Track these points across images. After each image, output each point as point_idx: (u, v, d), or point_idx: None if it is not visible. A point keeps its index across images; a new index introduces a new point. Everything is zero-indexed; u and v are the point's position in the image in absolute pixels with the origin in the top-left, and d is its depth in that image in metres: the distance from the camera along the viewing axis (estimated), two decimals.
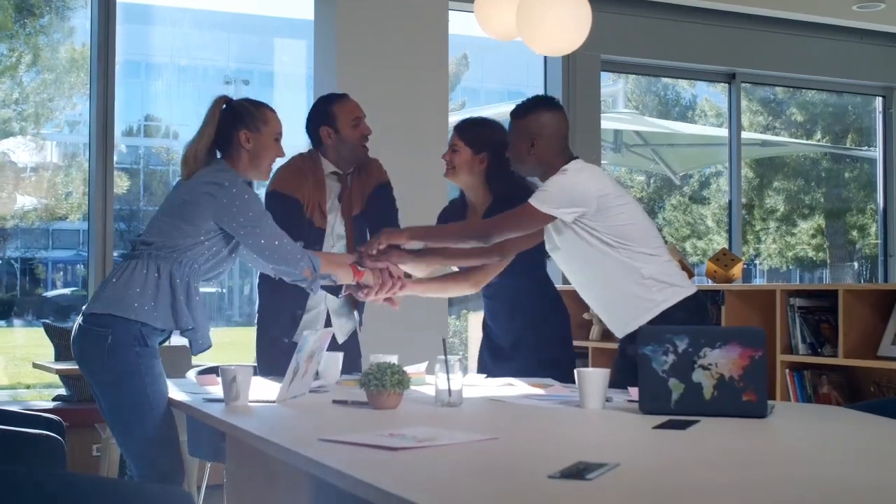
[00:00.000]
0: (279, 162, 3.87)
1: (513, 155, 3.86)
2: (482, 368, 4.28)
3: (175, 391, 3.54)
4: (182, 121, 11.19)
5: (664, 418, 2.87)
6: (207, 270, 3.60)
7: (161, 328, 3.46)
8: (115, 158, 11.57)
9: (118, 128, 10.90)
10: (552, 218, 3.67)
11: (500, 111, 9.55)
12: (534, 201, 3.65)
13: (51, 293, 11.41)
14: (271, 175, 4.25)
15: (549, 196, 3.65)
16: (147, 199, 11.11)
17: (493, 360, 4.27)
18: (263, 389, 3.51)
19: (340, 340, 4.30)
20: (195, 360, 5.81)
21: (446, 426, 2.77)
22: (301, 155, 4.34)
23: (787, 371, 5.45)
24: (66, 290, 11.33)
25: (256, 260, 3.73)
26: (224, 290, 11.65)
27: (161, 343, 3.54)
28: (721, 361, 2.92)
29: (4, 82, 9.36)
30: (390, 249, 4.00)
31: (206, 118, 3.66)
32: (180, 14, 10.39)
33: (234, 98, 3.74)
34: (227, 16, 10.48)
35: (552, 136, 3.78)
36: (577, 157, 3.79)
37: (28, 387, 10.11)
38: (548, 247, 3.88)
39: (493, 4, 4.28)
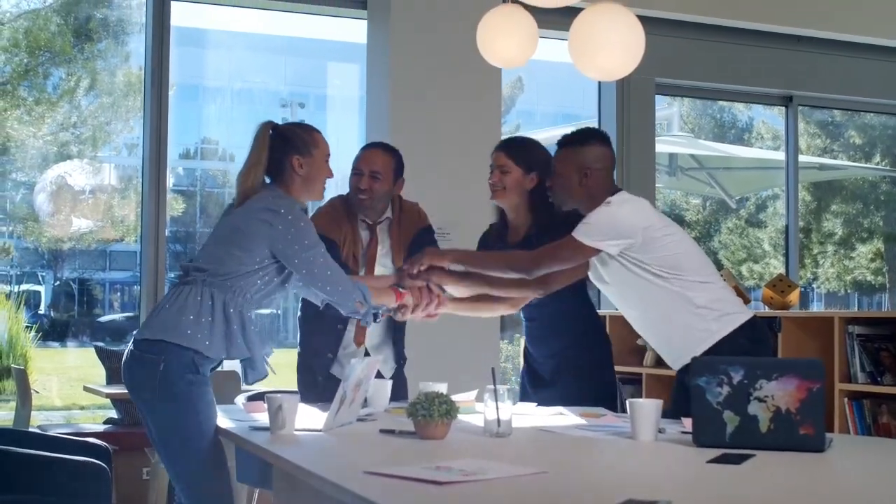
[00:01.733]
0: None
1: (560, 185, 3.80)
2: (524, 396, 4.22)
3: (222, 418, 3.51)
4: (239, 143, 11.28)
5: (718, 452, 2.79)
6: (259, 300, 3.55)
7: (214, 357, 3.43)
8: (172, 181, 11.69)
9: (176, 151, 11.01)
10: (596, 251, 3.61)
11: (554, 134, 9.50)
12: (577, 234, 3.60)
13: (106, 317, 11.49)
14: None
15: (593, 228, 3.59)
16: (204, 222, 11.18)
17: (534, 388, 4.22)
18: (310, 417, 3.47)
19: (387, 376, 4.26)
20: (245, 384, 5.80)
21: (494, 458, 2.72)
22: (340, 196, 4.32)
23: (845, 400, 5.32)
24: (122, 314, 11.40)
25: (307, 290, 3.68)
26: (279, 312, 11.68)
27: (213, 370, 3.51)
28: (778, 394, 2.84)
29: (63, 106, 9.46)
30: (432, 270, 3.96)
31: (256, 144, 3.60)
32: (235, 38, 10.46)
33: (280, 123, 3.70)
34: (281, 39, 10.53)
35: (604, 170, 3.74)
36: (621, 190, 3.73)
37: (83, 408, 10.18)
38: (594, 280, 3.83)
39: (495, 34, 4.24)
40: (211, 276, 3.45)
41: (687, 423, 3.15)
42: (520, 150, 4.14)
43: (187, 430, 3.38)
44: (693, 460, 2.73)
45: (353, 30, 6.98)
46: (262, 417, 3.44)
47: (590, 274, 3.83)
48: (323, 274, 3.54)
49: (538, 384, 4.21)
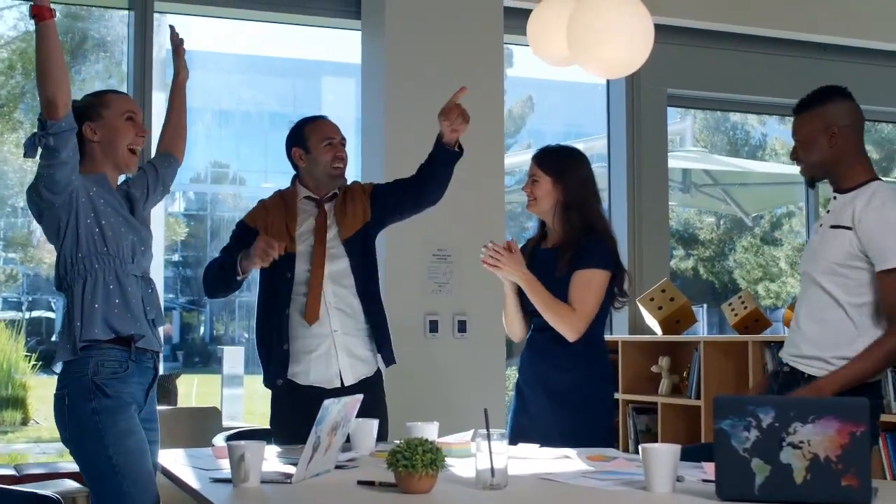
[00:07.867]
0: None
1: (806, 153, 3.43)
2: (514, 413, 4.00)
3: (183, 465, 3.13)
4: (248, 166, 11.07)
5: None
6: (117, 251, 3.20)
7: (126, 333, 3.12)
8: (184, 206, 11.46)
9: (186, 175, 10.77)
10: None
11: None
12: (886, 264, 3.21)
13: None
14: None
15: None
16: (215, 246, 10.99)
17: (519, 412, 3.98)
18: (282, 463, 3.08)
19: (347, 382, 3.88)
20: (226, 422, 5.45)
21: None
22: (279, 190, 4.15)
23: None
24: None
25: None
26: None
27: (149, 388, 3.20)
28: (815, 439, 2.45)
29: None
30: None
31: None
32: (236, 60, 10.29)
33: None
34: (284, 61, 10.38)
35: (852, 126, 3.39)
36: (877, 178, 3.38)
37: None
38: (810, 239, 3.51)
39: (546, 27, 3.87)
40: (72, 274, 3.15)
41: (709, 469, 2.78)
42: (550, 158, 4.01)
43: (99, 470, 3.06)
44: None
45: (347, 50, 6.68)
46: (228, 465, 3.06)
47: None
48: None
49: (524, 409, 3.97)
